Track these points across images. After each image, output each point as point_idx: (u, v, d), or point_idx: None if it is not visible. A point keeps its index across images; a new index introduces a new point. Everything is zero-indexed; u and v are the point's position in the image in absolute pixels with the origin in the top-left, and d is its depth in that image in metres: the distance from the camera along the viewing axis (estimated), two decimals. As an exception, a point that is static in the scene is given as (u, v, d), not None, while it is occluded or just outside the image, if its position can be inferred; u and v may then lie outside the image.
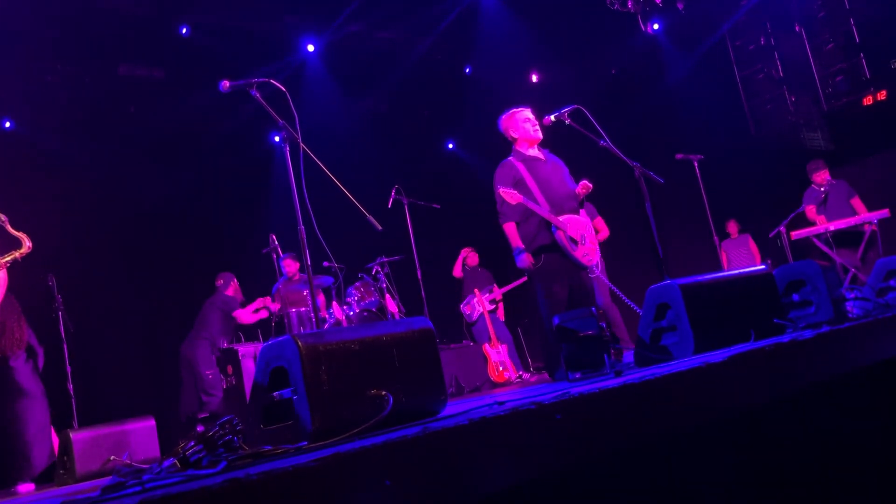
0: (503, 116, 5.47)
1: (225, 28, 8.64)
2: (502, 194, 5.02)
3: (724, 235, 10.13)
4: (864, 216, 7.81)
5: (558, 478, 2.02)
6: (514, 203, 5.02)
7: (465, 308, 9.18)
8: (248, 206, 9.57)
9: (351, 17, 9.21)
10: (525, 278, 8.93)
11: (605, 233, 7.91)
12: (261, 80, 4.16)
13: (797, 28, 9.58)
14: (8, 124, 8.19)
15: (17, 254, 4.83)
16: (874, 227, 7.70)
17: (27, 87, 8.01)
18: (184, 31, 8.38)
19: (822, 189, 8.34)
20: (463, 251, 9.64)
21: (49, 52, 7.95)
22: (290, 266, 8.04)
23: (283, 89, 4.12)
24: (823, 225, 8.00)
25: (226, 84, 4.12)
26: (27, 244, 4.84)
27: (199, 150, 9.19)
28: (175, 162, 8.97)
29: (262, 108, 4.12)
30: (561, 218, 5.10)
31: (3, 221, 4.80)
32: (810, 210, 8.39)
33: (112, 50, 8.32)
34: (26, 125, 8.32)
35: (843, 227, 7.86)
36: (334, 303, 7.63)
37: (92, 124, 8.59)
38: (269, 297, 8.15)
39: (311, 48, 9.49)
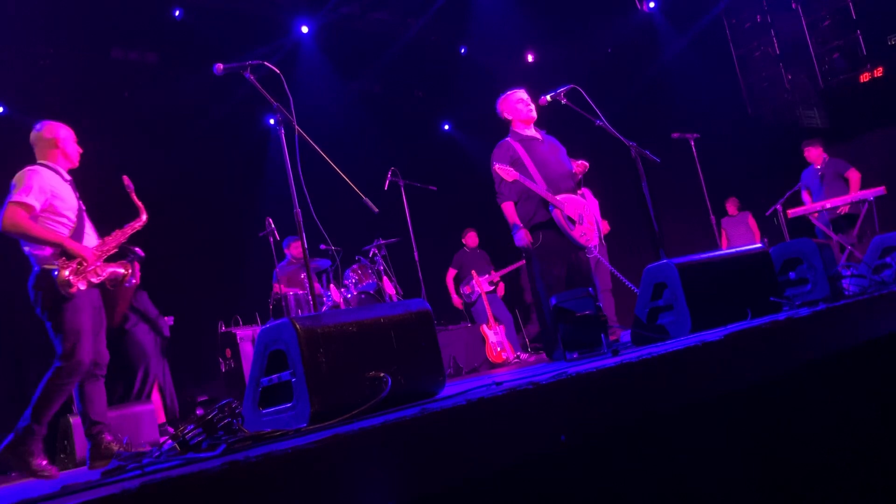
0: (499, 99, 5.51)
1: (218, 10, 8.56)
2: (498, 171, 5.02)
3: (723, 213, 10.12)
4: (861, 193, 7.80)
5: (556, 457, 2.03)
6: (510, 180, 5.01)
7: (464, 289, 9.19)
8: (243, 189, 9.53)
9: (344, -1, 9.16)
10: (522, 261, 8.93)
11: (605, 227, 7.90)
12: (255, 62, 4.12)
13: (793, 5, 9.51)
14: (1, 109, 8.14)
15: (136, 224, 4.62)
16: (870, 204, 7.69)
17: (20, 71, 7.95)
18: (177, 13, 8.31)
19: (819, 168, 8.33)
20: (450, 273, 9.52)
21: (42, 37, 7.88)
22: (295, 249, 8.04)
23: (278, 71, 4.09)
24: (820, 203, 8.00)
25: (219, 67, 4.07)
26: (144, 216, 4.64)
27: (193, 133, 9.14)
28: (170, 146, 8.91)
29: (257, 91, 4.08)
30: (558, 197, 5.09)
31: (129, 189, 4.57)
32: (806, 194, 8.44)
33: (105, 34, 8.25)
34: (19, 110, 8.26)
35: (839, 204, 7.86)
36: (332, 285, 7.63)
37: (85, 109, 8.52)
38: None
39: (304, 30, 9.42)
